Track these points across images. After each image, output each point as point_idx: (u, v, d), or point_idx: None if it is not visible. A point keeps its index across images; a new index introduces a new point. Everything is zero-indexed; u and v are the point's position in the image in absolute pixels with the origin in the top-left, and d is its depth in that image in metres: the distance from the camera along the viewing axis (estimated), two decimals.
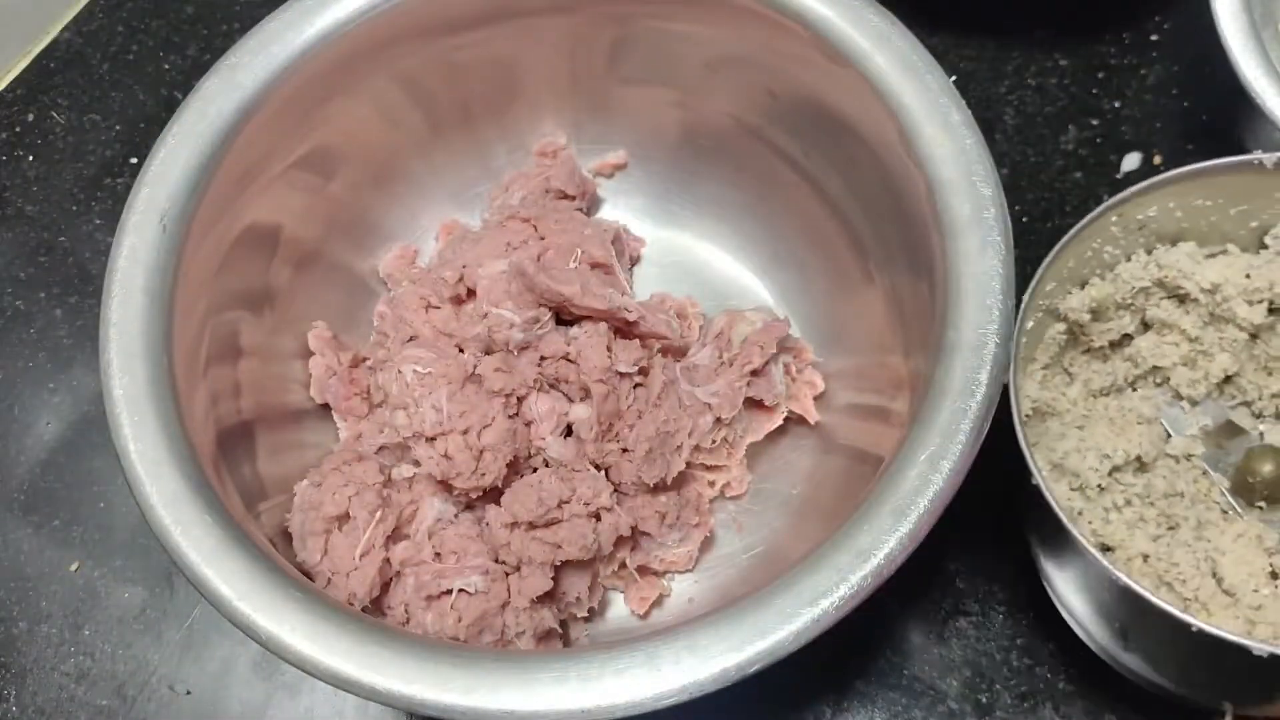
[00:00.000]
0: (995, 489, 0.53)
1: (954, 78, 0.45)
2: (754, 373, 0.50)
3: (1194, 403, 0.47)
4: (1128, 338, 0.47)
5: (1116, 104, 0.61)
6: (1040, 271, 0.42)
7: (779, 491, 0.52)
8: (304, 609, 0.37)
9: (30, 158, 0.65)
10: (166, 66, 0.68)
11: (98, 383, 0.42)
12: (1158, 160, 0.59)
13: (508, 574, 0.46)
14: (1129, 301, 0.46)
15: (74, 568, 0.54)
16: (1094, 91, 0.62)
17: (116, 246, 0.44)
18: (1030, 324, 0.43)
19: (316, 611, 0.38)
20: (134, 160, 0.65)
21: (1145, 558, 0.43)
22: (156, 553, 0.43)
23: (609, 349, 0.48)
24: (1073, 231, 0.43)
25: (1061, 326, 0.46)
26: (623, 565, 0.49)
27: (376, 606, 0.45)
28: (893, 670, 0.50)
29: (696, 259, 0.58)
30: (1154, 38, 0.63)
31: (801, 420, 0.52)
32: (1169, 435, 0.46)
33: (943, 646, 0.50)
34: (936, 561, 0.51)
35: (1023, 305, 0.42)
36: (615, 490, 0.47)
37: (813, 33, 0.46)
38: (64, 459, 0.57)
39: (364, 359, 0.52)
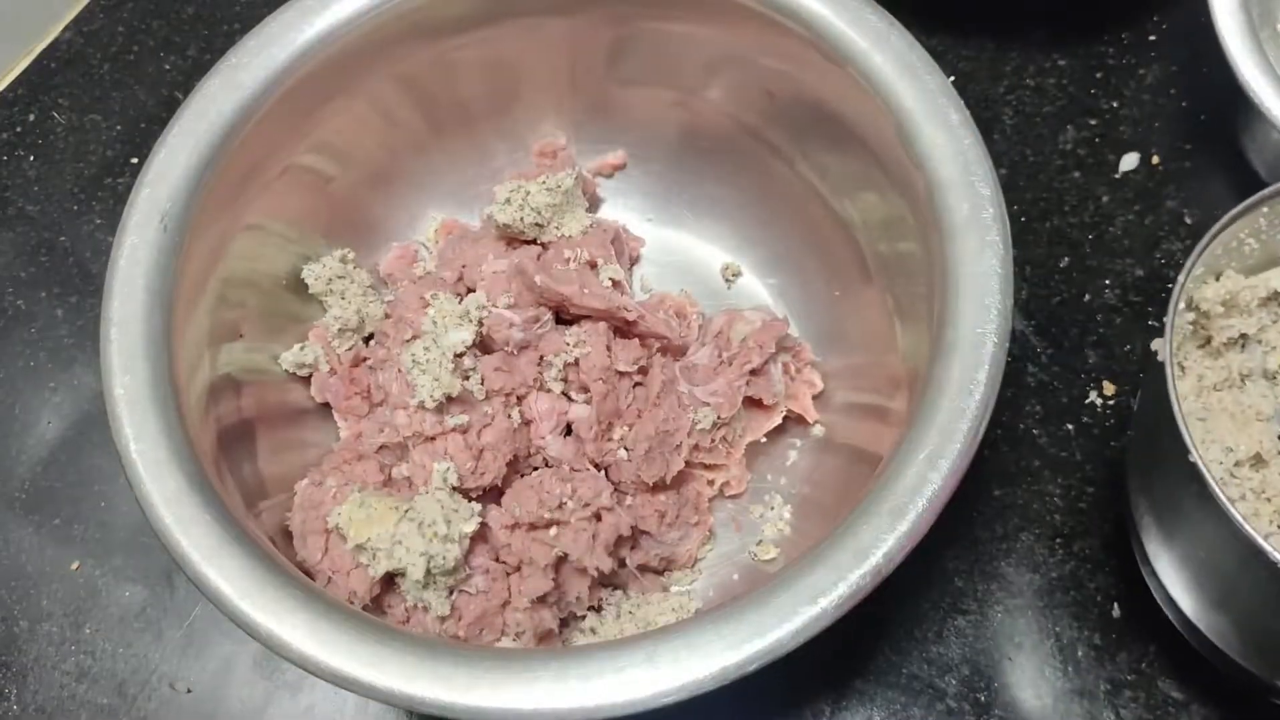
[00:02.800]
0: (995, 487, 0.53)
1: (952, 78, 0.45)
2: (753, 372, 0.50)
3: None
4: (1245, 337, 0.46)
5: (1115, 104, 0.61)
6: (1198, 250, 0.41)
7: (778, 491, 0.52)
8: (304, 608, 0.38)
9: (31, 157, 0.65)
10: (167, 66, 0.68)
11: (98, 382, 0.42)
12: (1155, 160, 0.59)
13: (508, 574, 0.46)
14: (1254, 308, 0.45)
15: (75, 566, 0.54)
16: (1092, 91, 0.62)
17: (117, 246, 0.44)
18: (1181, 304, 0.42)
19: (317, 610, 0.38)
20: (135, 160, 0.65)
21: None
22: (157, 551, 0.43)
23: (609, 348, 0.48)
24: (1227, 217, 0.41)
25: (1190, 316, 0.44)
26: (622, 564, 0.49)
27: (376, 605, 0.45)
28: (891, 669, 0.50)
29: (696, 259, 0.58)
30: (1152, 38, 0.63)
31: (800, 419, 0.52)
32: None
33: (941, 645, 0.50)
34: (935, 560, 0.52)
35: (1179, 284, 0.41)
36: (615, 490, 0.47)
37: (812, 33, 0.46)
38: (65, 458, 0.57)
39: (364, 359, 0.52)
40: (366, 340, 0.53)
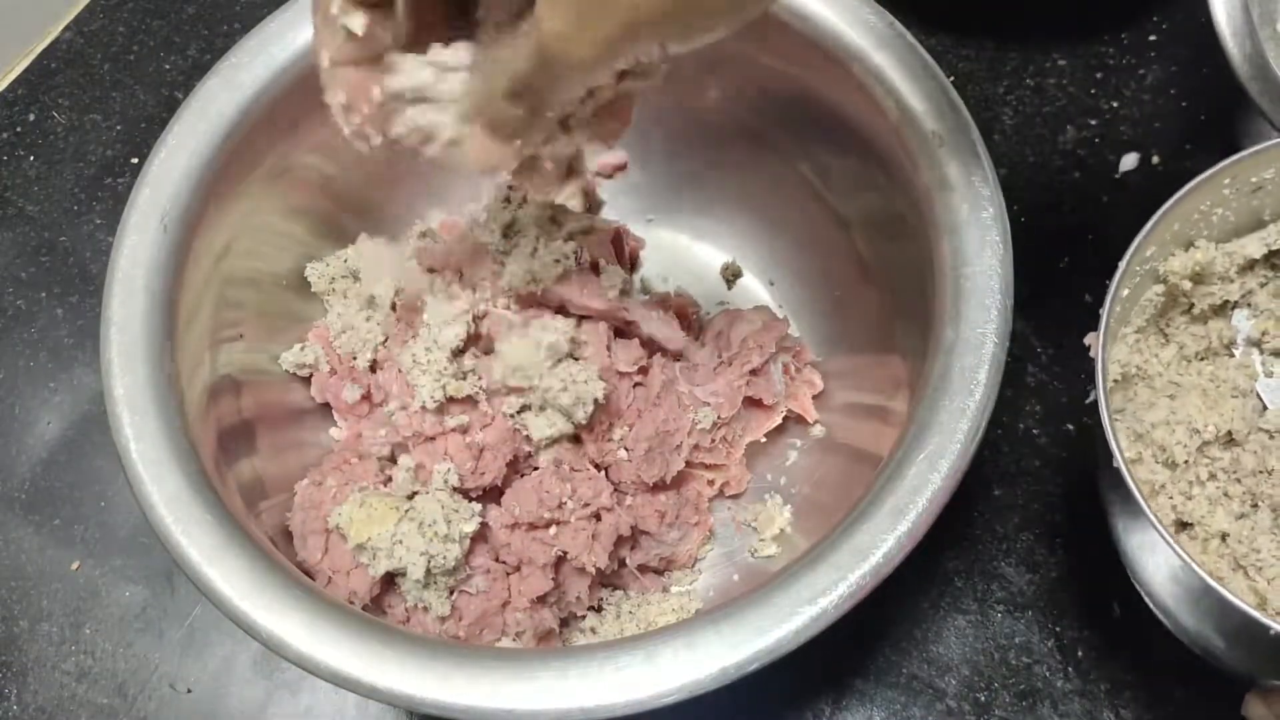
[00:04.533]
0: (995, 487, 0.53)
1: (952, 78, 0.45)
2: (753, 372, 0.50)
3: None
4: (1228, 304, 0.45)
5: (1115, 104, 0.61)
6: (1140, 237, 0.40)
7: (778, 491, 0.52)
8: (304, 607, 0.38)
9: (31, 157, 0.65)
10: (167, 66, 0.68)
11: (98, 382, 0.43)
12: (1156, 160, 0.59)
13: (508, 574, 0.46)
14: (1234, 274, 0.44)
15: (75, 566, 0.54)
16: (1092, 91, 0.62)
17: (117, 246, 0.44)
18: (1126, 291, 0.41)
19: (317, 610, 0.38)
20: (135, 160, 0.65)
21: (1224, 538, 0.42)
22: (157, 551, 0.43)
23: (609, 348, 0.48)
24: (1179, 194, 0.41)
25: (1160, 288, 0.44)
26: (622, 564, 0.49)
27: (376, 605, 0.45)
28: (891, 669, 0.50)
29: (696, 259, 0.58)
30: (1152, 38, 0.63)
31: (800, 419, 0.52)
32: (1265, 408, 0.45)
33: (941, 645, 0.50)
34: (935, 560, 0.52)
35: (1119, 271, 0.40)
36: (615, 490, 0.47)
37: (812, 32, 0.46)
38: (65, 458, 0.57)
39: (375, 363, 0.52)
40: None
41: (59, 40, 0.69)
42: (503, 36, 0.34)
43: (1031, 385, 0.55)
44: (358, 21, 0.34)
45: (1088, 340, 0.40)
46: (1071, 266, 0.57)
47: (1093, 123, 0.61)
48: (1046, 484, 0.53)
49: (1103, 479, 0.43)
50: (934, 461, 0.38)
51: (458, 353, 0.46)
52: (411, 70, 0.36)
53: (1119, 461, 0.37)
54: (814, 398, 0.52)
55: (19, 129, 0.66)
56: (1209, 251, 0.43)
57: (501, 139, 0.35)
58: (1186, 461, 0.43)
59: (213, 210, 0.46)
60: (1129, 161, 0.60)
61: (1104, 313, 0.39)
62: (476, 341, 0.47)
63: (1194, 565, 0.36)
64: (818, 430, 0.52)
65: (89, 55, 0.68)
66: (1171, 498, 0.43)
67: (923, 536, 0.37)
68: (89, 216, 0.63)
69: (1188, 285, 0.43)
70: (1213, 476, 0.43)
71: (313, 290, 0.53)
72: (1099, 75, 0.62)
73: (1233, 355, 0.46)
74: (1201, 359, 0.46)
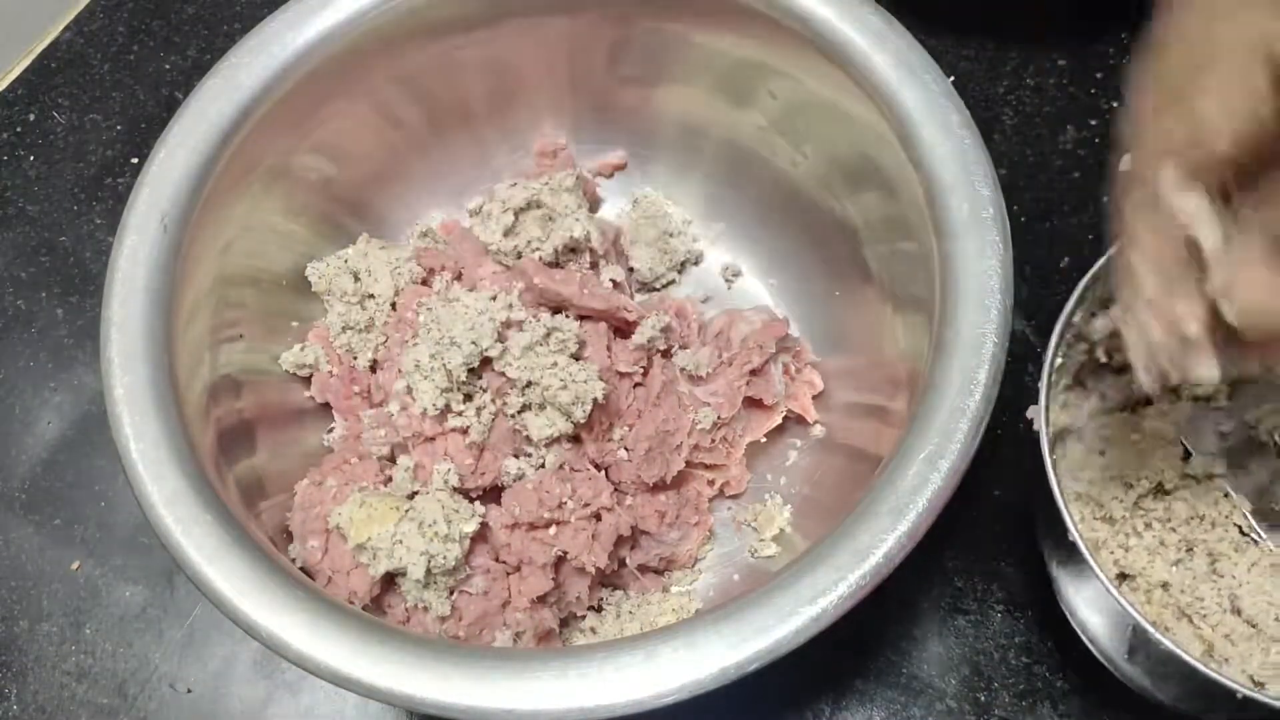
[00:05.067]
0: (994, 487, 0.53)
1: (952, 78, 0.45)
2: (753, 372, 0.50)
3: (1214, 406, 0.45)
4: None
5: (1115, 104, 0.61)
6: (1070, 305, 0.41)
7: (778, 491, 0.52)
8: (304, 607, 0.38)
9: (31, 157, 0.65)
10: (167, 66, 0.68)
11: (99, 382, 0.42)
12: None
13: (508, 574, 0.46)
14: None
15: (75, 566, 0.54)
16: (1092, 92, 0.62)
17: (117, 246, 0.44)
18: (1060, 360, 0.42)
19: (317, 610, 0.38)
20: (135, 160, 0.65)
21: (1165, 586, 0.43)
22: (157, 551, 0.43)
23: (609, 348, 0.48)
24: (1100, 261, 0.41)
25: (1083, 346, 0.44)
26: (622, 564, 0.49)
27: (377, 605, 0.45)
28: (891, 669, 0.50)
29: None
30: None
31: (800, 419, 0.52)
32: (1188, 455, 0.45)
33: (941, 645, 0.50)
34: (935, 560, 0.52)
35: (1052, 342, 0.40)
36: (615, 490, 0.47)
37: (811, 33, 0.46)
38: (65, 458, 0.57)
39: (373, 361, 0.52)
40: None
41: (59, 40, 0.69)
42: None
43: (1031, 385, 0.55)
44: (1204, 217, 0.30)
45: (1030, 414, 0.40)
46: (1071, 266, 0.57)
47: (1093, 123, 0.61)
48: (1046, 484, 0.53)
49: (1044, 540, 0.44)
50: (934, 461, 0.38)
51: (469, 372, 0.46)
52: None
53: (1075, 536, 0.38)
54: (814, 398, 0.52)
55: (19, 129, 0.66)
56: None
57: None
58: (1124, 516, 0.44)
59: (213, 210, 0.46)
60: (1129, 162, 0.59)
61: (1042, 386, 0.39)
62: (486, 365, 0.47)
63: (1144, 622, 0.37)
64: (818, 430, 0.52)
65: (89, 55, 0.68)
66: (1113, 552, 0.44)
67: (923, 536, 0.37)
68: (89, 216, 0.63)
69: (1106, 339, 0.43)
70: (1149, 526, 0.44)
71: (313, 290, 0.53)
72: (1099, 75, 0.62)
73: (1151, 404, 0.46)
74: (1123, 410, 0.46)
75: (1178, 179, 0.31)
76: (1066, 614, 0.45)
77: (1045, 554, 0.44)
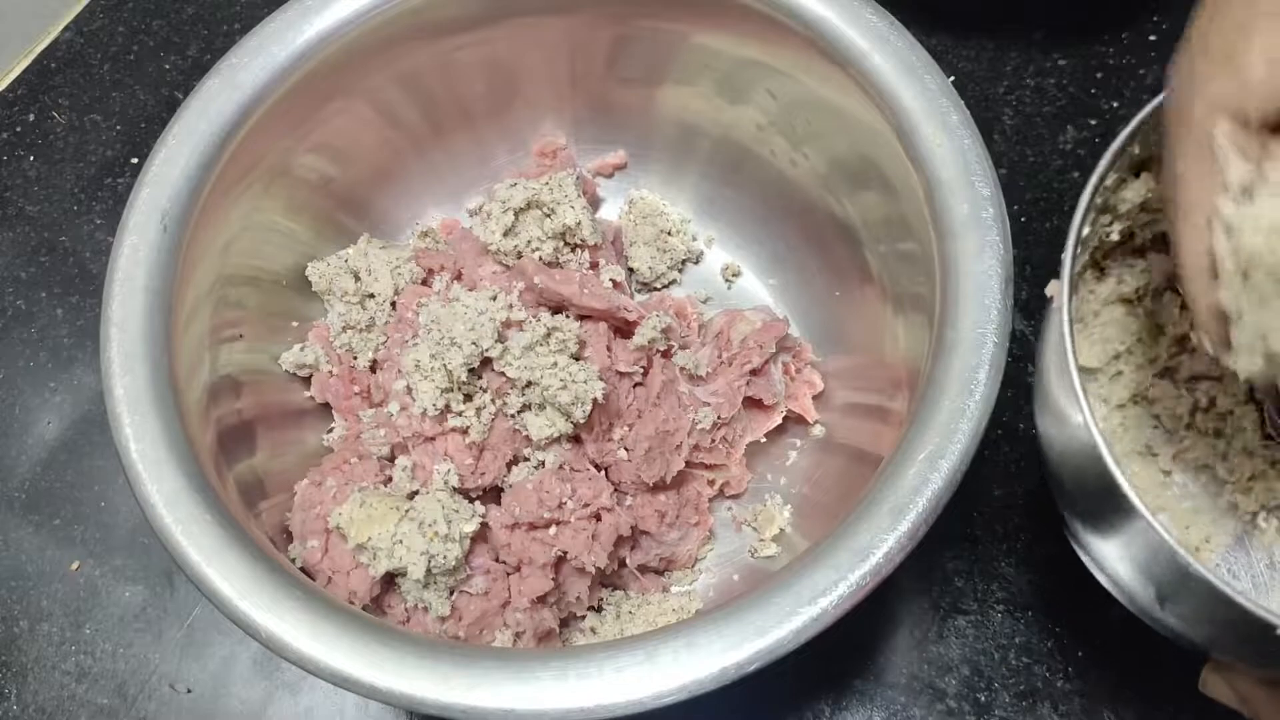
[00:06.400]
0: (994, 487, 0.53)
1: (952, 78, 0.45)
2: (753, 372, 0.50)
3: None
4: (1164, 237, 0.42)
5: (1115, 104, 0.61)
6: (1103, 162, 0.38)
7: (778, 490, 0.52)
8: (304, 607, 0.38)
9: (31, 158, 0.65)
10: (167, 66, 0.68)
11: (98, 382, 0.42)
12: None
13: (508, 574, 0.46)
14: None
15: (75, 566, 0.54)
16: (1092, 91, 0.62)
17: (117, 246, 0.44)
18: (1086, 230, 0.38)
19: (317, 610, 0.38)
20: (135, 160, 0.65)
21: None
22: (157, 551, 0.43)
23: (609, 348, 0.48)
24: (1138, 120, 0.38)
25: (1106, 219, 0.41)
26: (622, 564, 0.49)
27: (377, 605, 0.45)
28: (891, 669, 0.50)
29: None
30: (1152, 38, 0.63)
31: (800, 419, 0.52)
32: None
33: (941, 645, 0.50)
34: (935, 560, 0.52)
35: (1080, 207, 0.37)
36: (615, 490, 0.47)
37: (812, 33, 0.46)
38: (65, 458, 0.57)
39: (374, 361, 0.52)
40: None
41: (59, 40, 0.69)
42: None
43: (1031, 385, 0.55)
44: None
45: (1050, 290, 0.38)
46: None
47: (1093, 123, 0.61)
48: (1047, 484, 0.53)
49: (1067, 484, 0.41)
50: (934, 461, 0.38)
51: (469, 372, 0.46)
52: None
53: (1102, 450, 0.34)
54: (814, 398, 0.52)
55: (19, 129, 0.66)
56: (1152, 184, 0.40)
57: None
58: (1152, 453, 0.42)
59: (213, 210, 0.46)
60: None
61: (1066, 258, 0.37)
62: (486, 365, 0.47)
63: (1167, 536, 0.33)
64: (818, 430, 0.52)
65: (89, 55, 0.68)
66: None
67: (923, 536, 0.37)
68: (89, 216, 0.63)
69: (1140, 214, 0.40)
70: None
71: (313, 290, 0.53)
72: (1099, 75, 0.62)
73: (1175, 292, 0.43)
74: (1141, 298, 0.43)
75: (1231, 132, 0.31)
76: (1089, 566, 0.42)
77: (1064, 504, 0.41)
